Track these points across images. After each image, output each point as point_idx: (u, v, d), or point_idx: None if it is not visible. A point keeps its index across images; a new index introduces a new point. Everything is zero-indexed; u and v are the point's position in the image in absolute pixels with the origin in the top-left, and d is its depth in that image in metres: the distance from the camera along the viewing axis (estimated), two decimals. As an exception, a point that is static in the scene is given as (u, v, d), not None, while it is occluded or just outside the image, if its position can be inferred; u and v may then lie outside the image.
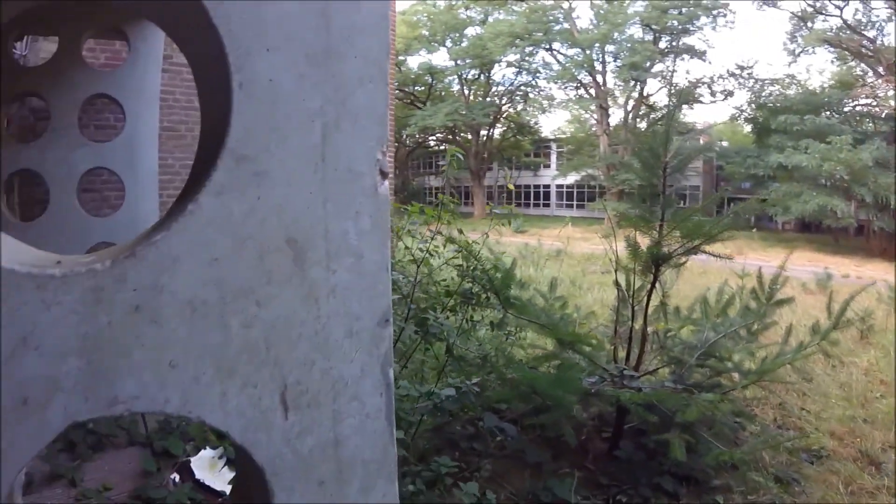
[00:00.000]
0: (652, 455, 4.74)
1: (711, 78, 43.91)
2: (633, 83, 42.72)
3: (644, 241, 4.73)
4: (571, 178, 46.25)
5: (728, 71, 51.75)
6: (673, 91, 41.73)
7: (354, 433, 1.24)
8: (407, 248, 4.95)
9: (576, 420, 5.03)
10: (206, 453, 4.27)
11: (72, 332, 0.96)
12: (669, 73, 42.86)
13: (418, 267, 4.83)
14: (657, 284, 4.90)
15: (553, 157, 51.22)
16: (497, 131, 50.66)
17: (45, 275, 0.95)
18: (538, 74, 48.67)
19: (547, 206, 51.01)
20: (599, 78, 44.26)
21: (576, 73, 44.53)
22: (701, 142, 37.37)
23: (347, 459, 1.24)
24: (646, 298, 4.93)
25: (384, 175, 1.23)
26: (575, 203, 48.71)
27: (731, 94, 42.87)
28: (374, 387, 1.24)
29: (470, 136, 48.42)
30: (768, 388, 5.78)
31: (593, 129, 46.73)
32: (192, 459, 4.21)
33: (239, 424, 1.10)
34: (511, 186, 42.46)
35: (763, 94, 39.01)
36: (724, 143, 45.44)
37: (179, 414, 1.05)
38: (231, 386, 1.08)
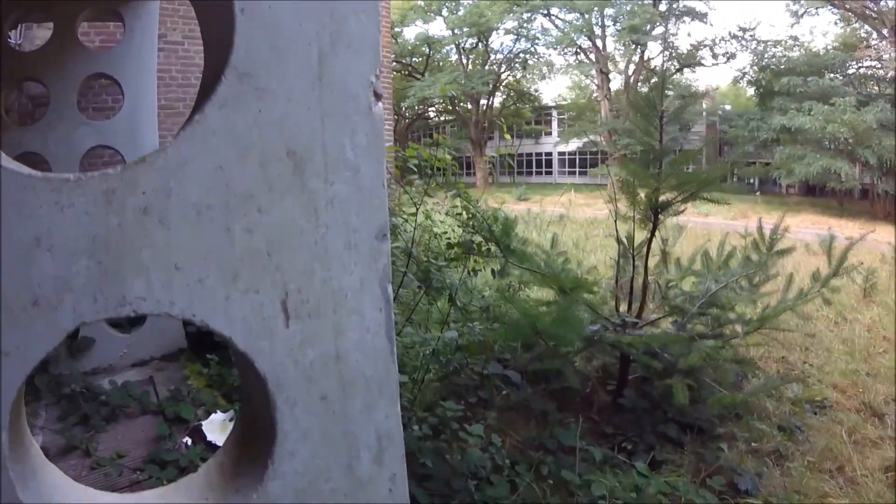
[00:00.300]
0: (656, 404, 4.80)
1: (713, 40, 43.39)
2: (633, 47, 42.19)
3: (643, 192, 4.76)
4: (573, 145, 45.90)
5: (730, 33, 51.10)
6: (670, 50, 41.31)
7: (355, 348, 1.27)
8: (405, 192, 4.95)
9: (580, 373, 5.09)
10: (217, 416, 4.34)
11: (84, 234, 1.01)
12: (668, 35, 42.27)
13: (417, 209, 4.86)
14: (657, 235, 4.95)
15: (554, 125, 50.80)
16: (497, 100, 50.24)
17: (61, 178, 0.99)
18: (537, 41, 47.76)
19: (549, 174, 50.77)
20: (599, 42, 43.62)
21: (575, 39, 43.79)
22: (704, 105, 37.08)
23: (349, 375, 1.27)
24: (646, 249, 4.99)
25: (378, 96, 1.28)
26: (577, 170, 48.46)
27: (733, 56, 42.13)
28: (374, 302, 1.28)
29: (470, 106, 48.02)
30: (770, 336, 5.81)
31: (594, 94, 46.28)
32: (204, 423, 4.27)
33: (242, 330, 1.14)
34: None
35: (766, 56, 38.44)
36: (727, 107, 45.04)
37: (184, 317, 1.09)
38: (234, 291, 1.12)
